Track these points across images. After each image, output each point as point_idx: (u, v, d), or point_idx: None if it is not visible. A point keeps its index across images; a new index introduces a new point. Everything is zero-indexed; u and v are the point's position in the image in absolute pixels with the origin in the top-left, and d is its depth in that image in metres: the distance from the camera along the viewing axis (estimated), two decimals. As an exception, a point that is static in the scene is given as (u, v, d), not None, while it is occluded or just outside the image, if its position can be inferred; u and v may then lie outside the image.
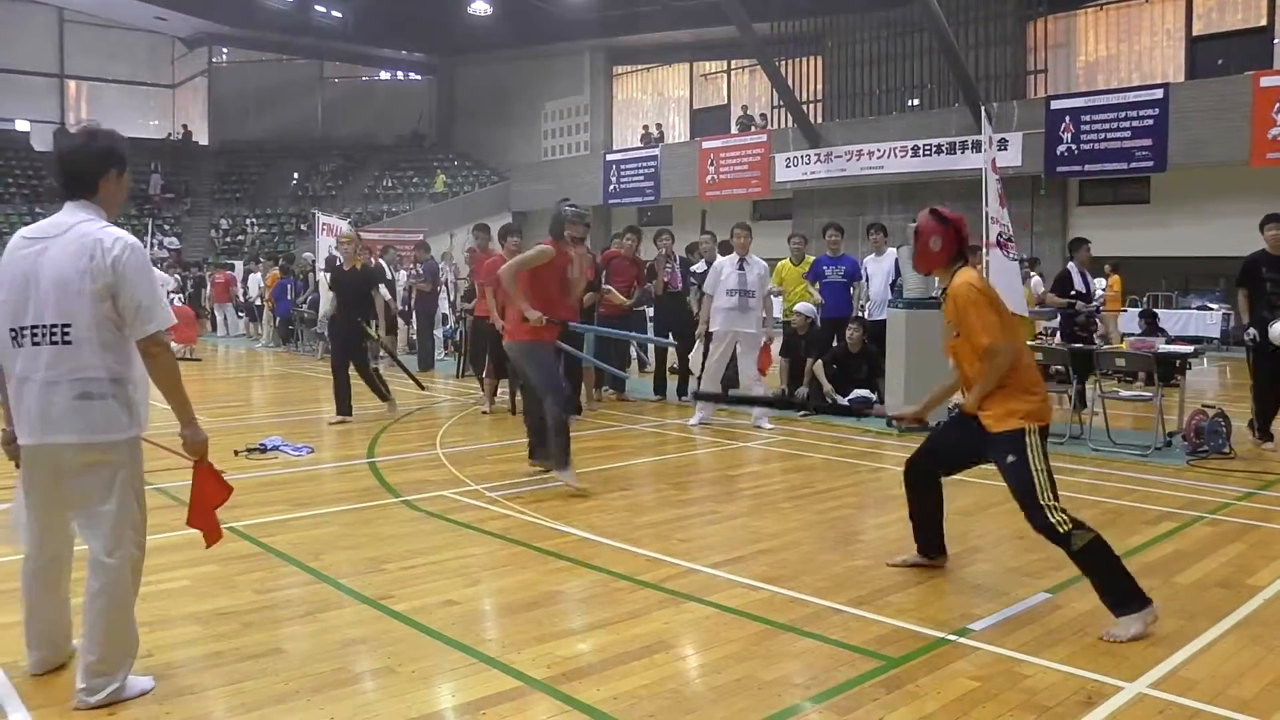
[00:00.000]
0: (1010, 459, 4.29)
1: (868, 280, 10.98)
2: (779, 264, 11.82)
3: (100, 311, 3.21)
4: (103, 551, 3.28)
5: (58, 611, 3.51)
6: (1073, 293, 9.81)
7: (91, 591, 3.29)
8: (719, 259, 9.69)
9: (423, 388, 10.91)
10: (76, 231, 3.25)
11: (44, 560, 3.42)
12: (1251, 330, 8.29)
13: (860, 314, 10.94)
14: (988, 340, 4.29)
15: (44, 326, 3.22)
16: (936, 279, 4.84)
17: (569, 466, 6.63)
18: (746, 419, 9.93)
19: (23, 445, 3.30)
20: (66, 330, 3.21)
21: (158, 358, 3.32)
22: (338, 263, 9.60)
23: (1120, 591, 4.03)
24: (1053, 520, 4.13)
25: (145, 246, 23.62)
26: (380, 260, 15.23)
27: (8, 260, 3.30)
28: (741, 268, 9.40)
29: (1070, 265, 10.15)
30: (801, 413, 10.04)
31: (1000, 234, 10.15)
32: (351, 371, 9.73)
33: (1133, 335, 13.27)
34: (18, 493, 3.42)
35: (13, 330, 3.26)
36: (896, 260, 11.56)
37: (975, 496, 6.59)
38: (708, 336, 9.79)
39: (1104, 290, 17.86)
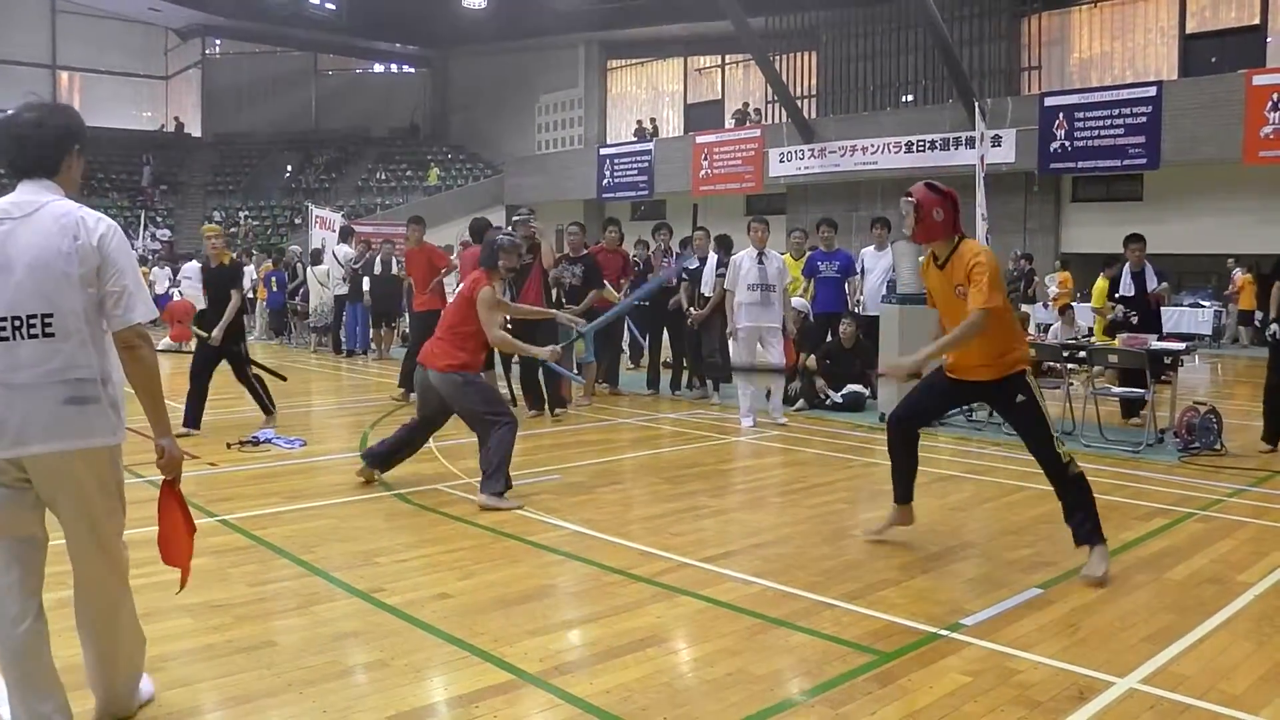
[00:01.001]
0: (1020, 398, 4.84)
1: (863, 274, 10.97)
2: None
3: (87, 299, 2.84)
4: (103, 567, 2.99)
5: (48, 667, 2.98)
6: (1116, 296, 9.39)
7: (97, 609, 3.02)
8: (737, 254, 9.59)
9: (283, 379, 10.40)
10: (50, 211, 2.86)
11: (16, 609, 2.89)
12: (1274, 326, 8.02)
13: (856, 308, 10.93)
14: (997, 302, 4.65)
15: (19, 318, 2.79)
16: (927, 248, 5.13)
17: (504, 490, 6.08)
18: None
19: None
20: (48, 321, 2.80)
21: (138, 351, 2.92)
22: (208, 260, 9.13)
23: (1096, 520, 4.74)
24: (1059, 451, 4.78)
25: (138, 238, 23.37)
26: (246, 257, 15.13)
27: None
28: (761, 262, 9.30)
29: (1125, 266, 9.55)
30: (797, 404, 10.07)
31: (991, 229, 10.20)
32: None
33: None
34: None
35: None
36: (863, 260, 11.61)
37: (968, 492, 6.62)
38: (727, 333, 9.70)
39: (1056, 289, 17.72)
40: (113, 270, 2.87)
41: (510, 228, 9.92)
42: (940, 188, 4.91)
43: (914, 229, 4.91)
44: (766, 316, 9.28)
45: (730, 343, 9.66)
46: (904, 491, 5.30)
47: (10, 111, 2.97)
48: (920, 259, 5.69)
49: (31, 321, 2.79)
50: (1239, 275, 18.72)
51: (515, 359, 9.65)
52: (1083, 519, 4.74)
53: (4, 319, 2.79)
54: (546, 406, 9.74)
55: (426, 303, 10.47)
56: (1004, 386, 4.88)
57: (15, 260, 2.80)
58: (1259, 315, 16.78)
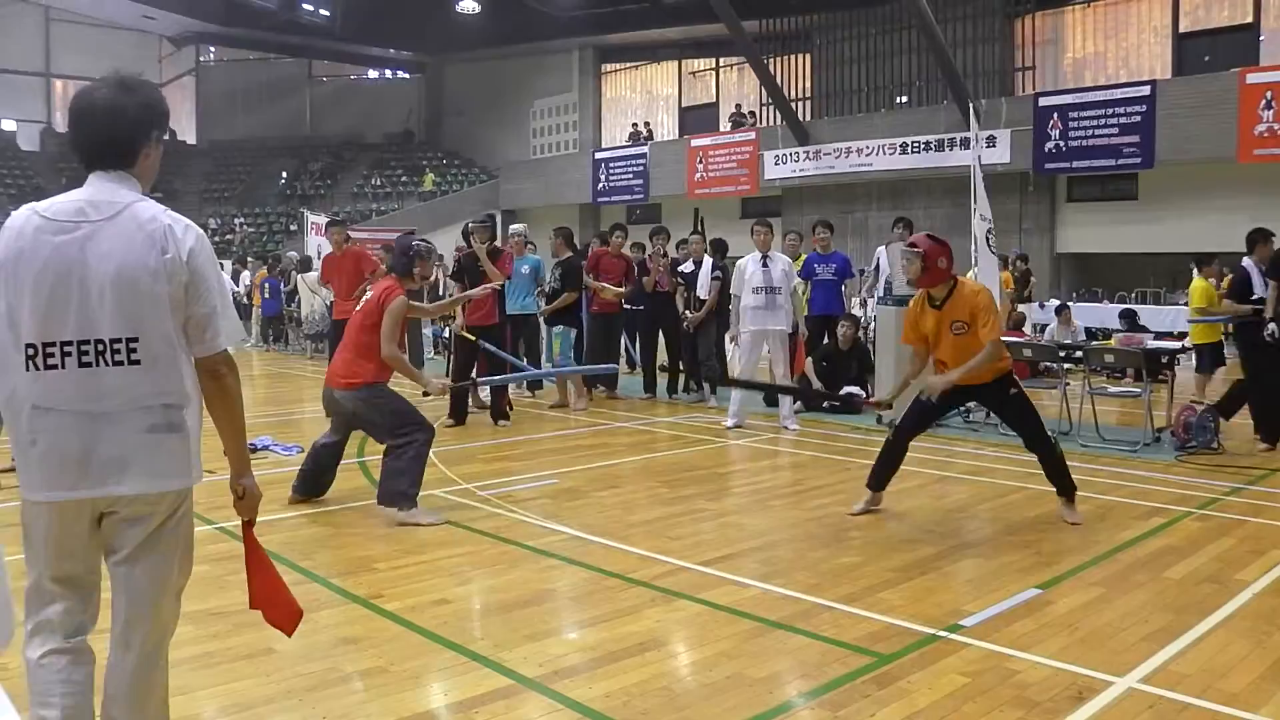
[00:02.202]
0: (1013, 391, 5.82)
1: (878, 270, 11.00)
2: None
3: (174, 320, 2.47)
4: (154, 633, 2.57)
5: None
6: (1254, 297, 8.41)
7: (132, 683, 2.55)
8: (744, 259, 9.56)
9: None
10: (135, 214, 2.44)
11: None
12: (1272, 326, 7.91)
13: (863, 307, 10.98)
14: (1000, 333, 5.65)
15: (101, 342, 2.40)
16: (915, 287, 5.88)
17: (416, 503, 5.81)
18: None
19: (36, 502, 2.46)
20: (134, 347, 2.42)
21: (225, 380, 2.56)
22: None
23: (1070, 479, 5.84)
24: (1045, 434, 5.82)
25: None
26: None
27: (24, 248, 2.42)
28: (765, 265, 9.21)
29: (1245, 262, 8.63)
30: (824, 404, 10.09)
31: (990, 229, 10.19)
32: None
33: (1120, 332, 13.28)
34: None
35: (35, 346, 2.40)
36: (879, 258, 11.61)
37: (966, 493, 6.62)
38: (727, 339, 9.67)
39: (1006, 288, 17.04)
40: (202, 289, 2.49)
41: (471, 230, 9.84)
42: (939, 239, 5.64)
43: (919, 276, 5.59)
44: (772, 320, 9.18)
45: (732, 347, 9.64)
46: (884, 482, 6.00)
47: (85, 86, 2.54)
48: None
49: (116, 346, 2.41)
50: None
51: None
52: (1062, 478, 5.81)
53: (86, 342, 2.40)
54: (492, 417, 9.60)
55: (352, 310, 9.98)
56: (996, 386, 5.80)
57: (96, 273, 2.39)
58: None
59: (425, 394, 6.64)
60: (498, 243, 10.41)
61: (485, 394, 9.94)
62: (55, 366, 2.40)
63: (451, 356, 9.33)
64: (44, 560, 2.49)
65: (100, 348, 2.40)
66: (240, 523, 2.77)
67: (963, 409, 9.48)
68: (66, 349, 2.39)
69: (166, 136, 2.66)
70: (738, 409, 9.30)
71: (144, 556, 2.51)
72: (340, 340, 9.44)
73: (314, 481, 6.27)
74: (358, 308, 6.08)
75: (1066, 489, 5.82)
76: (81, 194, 2.47)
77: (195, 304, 2.48)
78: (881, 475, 5.96)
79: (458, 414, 9.40)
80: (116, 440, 2.42)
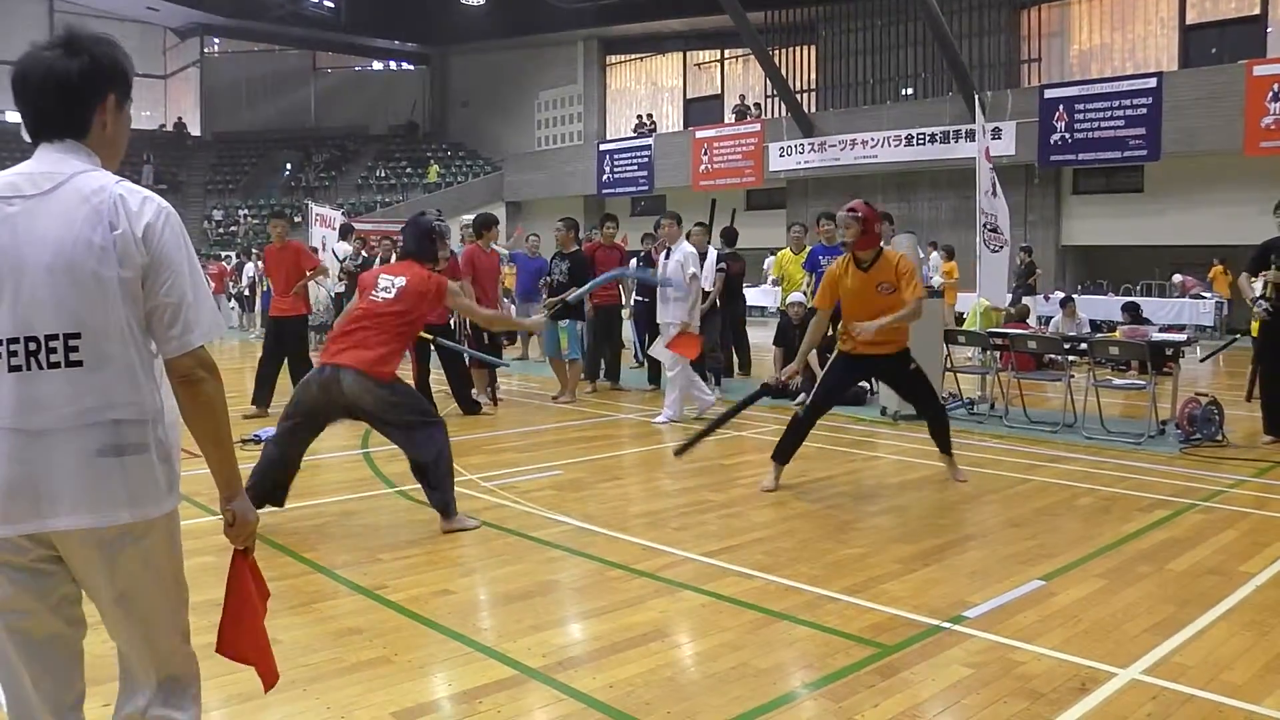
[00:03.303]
0: (913, 365, 6.45)
1: None
2: (779, 253, 11.86)
3: (130, 313, 2.03)
4: (162, 683, 2.24)
5: None
6: None
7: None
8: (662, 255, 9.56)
9: None
10: (77, 186, 2.03)
11: None
12: (1263, 303, 7.83)
13: None
14: (922, 294, 6.26)
15: (34, 339, 1.98)
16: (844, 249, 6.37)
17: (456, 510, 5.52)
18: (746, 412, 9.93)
19: None
20: (74, 344, 1.99)
21: (199, 387, 2.08)
22: None
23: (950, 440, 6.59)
24: (938, 401, 6.74)
25: None
26: None
27: None
28: (667, 257, 9.29)
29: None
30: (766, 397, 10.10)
31: (986, 224, 10.17)
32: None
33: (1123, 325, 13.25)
34: None
35: None
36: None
37: (971, 485, 6.61)
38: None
39: (940, 278, 16.50)
40: (165, 273, 2.04)
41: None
42: (875, 206, 6.22)
43: (857, 238, 6.10)
44: (665, 313, 9.20)
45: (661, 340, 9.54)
46: (789, 458, 6.45)
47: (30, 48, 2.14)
48: (822, 262, 6.80)
49: (52, 345, 1.98)
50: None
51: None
52: (946, 439, 6.56)
53: (15, 340, 1.98)
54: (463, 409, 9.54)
55: (290, 307, 9.64)
56: (898, 359, 6.37)
57: (29, 258, 1.98)
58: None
59: (530, 334, 6.76)
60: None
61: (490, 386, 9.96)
62: None
63: (413, 362, 9.23)
64: None
65: (33, 346, 1.97)
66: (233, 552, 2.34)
67: (966, 401, 9.56)
68: None
69: (132, 103, 2.22)
70: (674, 399, 9.17)
71: (128, 602, 2.13)
72: (281, 336, 9.49)
73: (276, 488, 5.50)
74: (375, 296, 5.39)
75: (948, 448, 6.60)
76: (22, 167, 2.09)
77: (158, 293, 2.03)
78: (787, 449, 6.41)
79: (467, 405, 9.49)
80: (59, 464, 1.99)
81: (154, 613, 2.18)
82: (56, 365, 1.98)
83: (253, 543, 2.33)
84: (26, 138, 2.26)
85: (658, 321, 9.47)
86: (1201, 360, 12.28)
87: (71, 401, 1.99)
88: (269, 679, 2.43)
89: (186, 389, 2.09)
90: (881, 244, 6.32)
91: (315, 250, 17.99)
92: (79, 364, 1.99)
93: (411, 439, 5.43)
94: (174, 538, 2.20)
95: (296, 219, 30.70)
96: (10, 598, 2.05)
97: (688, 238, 11.76)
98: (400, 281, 5.43)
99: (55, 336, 1.98)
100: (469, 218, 11.01)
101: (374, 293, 5.43)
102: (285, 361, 9.41)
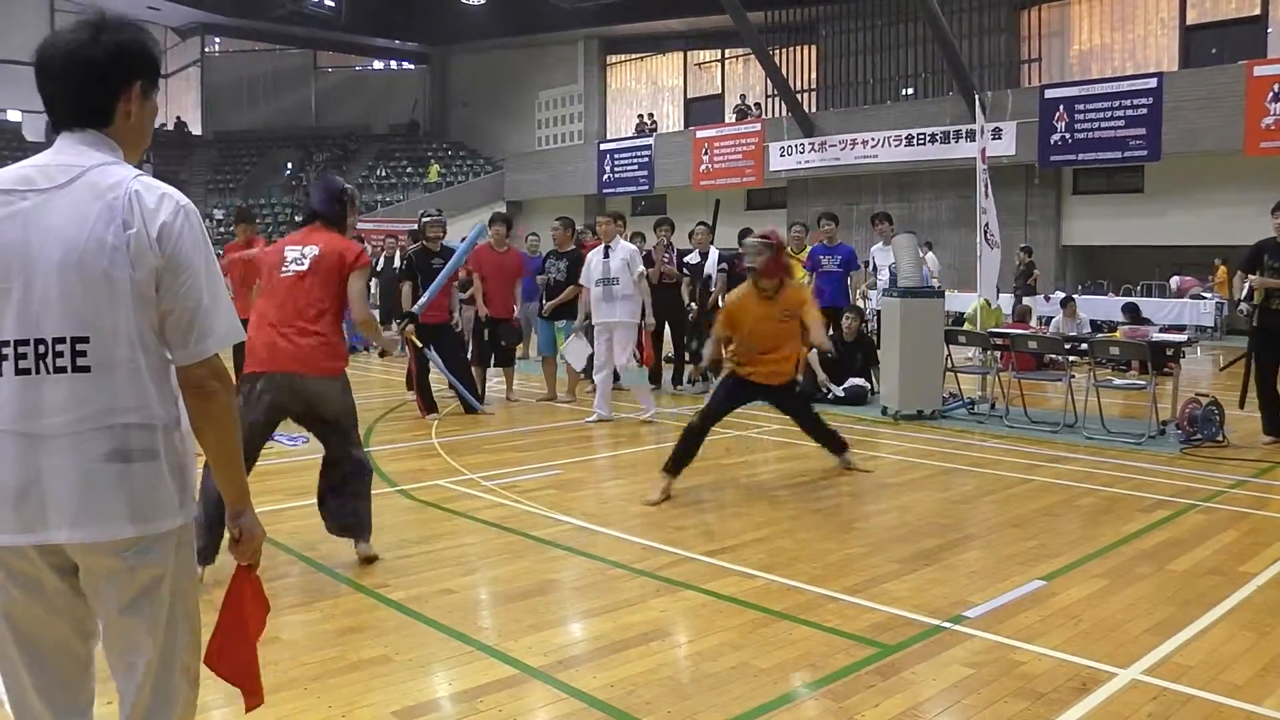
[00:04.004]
0: (798, 388, 7.11)
1: (875, 269, 10.99)
2: None
3: (141, 317, 1.92)
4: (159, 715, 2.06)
5: None
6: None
7: None
8: (593, 251, 9.33)
9: None
10: (93, 180, 1.92)
11: None
12: (1243, 305, 7.94)
13: (867, 300, 10.97)
14: (820, 319, 6.52)
15: (42, 342, 1.88)
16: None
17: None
18: (747, 407, 9.95)
19: None
20: (81, 349, 1.88)
21: (213, 397, 1.98)
22: None
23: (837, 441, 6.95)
24: (816, 416, 6.98)
25: None
26: None
27: None
28: (606, 255, 9.06)
29: None
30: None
31: (987, 224, 10.20)
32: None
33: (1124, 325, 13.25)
34: None
35: None
36: (874, 256, 11.64)
37: (970, 485, 6.62)
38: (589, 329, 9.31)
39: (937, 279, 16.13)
40: (180, 276, 1.93)
41: (420, 226, 9.72)
42: (785, 234, 6.60)
43: (765, 266, 6.21)
44: (610, 311, 8.97)
45: (573, 339, 9.41)
46: (680, 471, 6.29)
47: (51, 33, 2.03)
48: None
49: (59, 348, 1.88)
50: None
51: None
52: (835, 443, 6.91)
53: (24, 342, 1.88)
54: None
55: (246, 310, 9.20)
56: (788, 386, 6.72)
57: (39, 256, 1.88)
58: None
59: (382, 355, 6.43)
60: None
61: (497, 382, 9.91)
62: None
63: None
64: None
65: (41, 350, 1.88)
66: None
67: (966, 401, 9.58)
68: (4, 351, 1.89)
69: (159, 93, 2.14)
70: (601, 400, 9.12)
71: (128, 621, 1.99)
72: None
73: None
74: (299, 267, 4.60)
75: (840, 447, 6.90)
76: (39, 158, 1.99)
77: (172, 297, 1.93)
78: (680, 464, 6.27)
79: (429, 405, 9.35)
80: (62, 470, 1.88)
81: (154, 640, 2.01)
82: (63, 370, 1.88)
83: (258, 558, 2.22)
84: (29, 135, 2.17)
85: (594, 322, 9.11)
86: (1222, 369, 12.19)
87: (77, 406, 1.89)
88: (252, 700, 2.27)
89: (197, 399, 1.98)
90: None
91: None
92: (86, 369, 1.89)
93: (353, 441, 4.83)
94: (186, 560, 2.05)
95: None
96: (18, 604, 1.96)
97: (690, 237, 11.79)
98: (304, 253, 4.64)
99: (63, 340, 1.88)
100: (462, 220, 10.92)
101: (283, 268, 4.63)
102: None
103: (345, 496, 4.78)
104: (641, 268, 9.22)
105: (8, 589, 1.95)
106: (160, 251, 1.91)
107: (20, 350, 1.88)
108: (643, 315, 9.23)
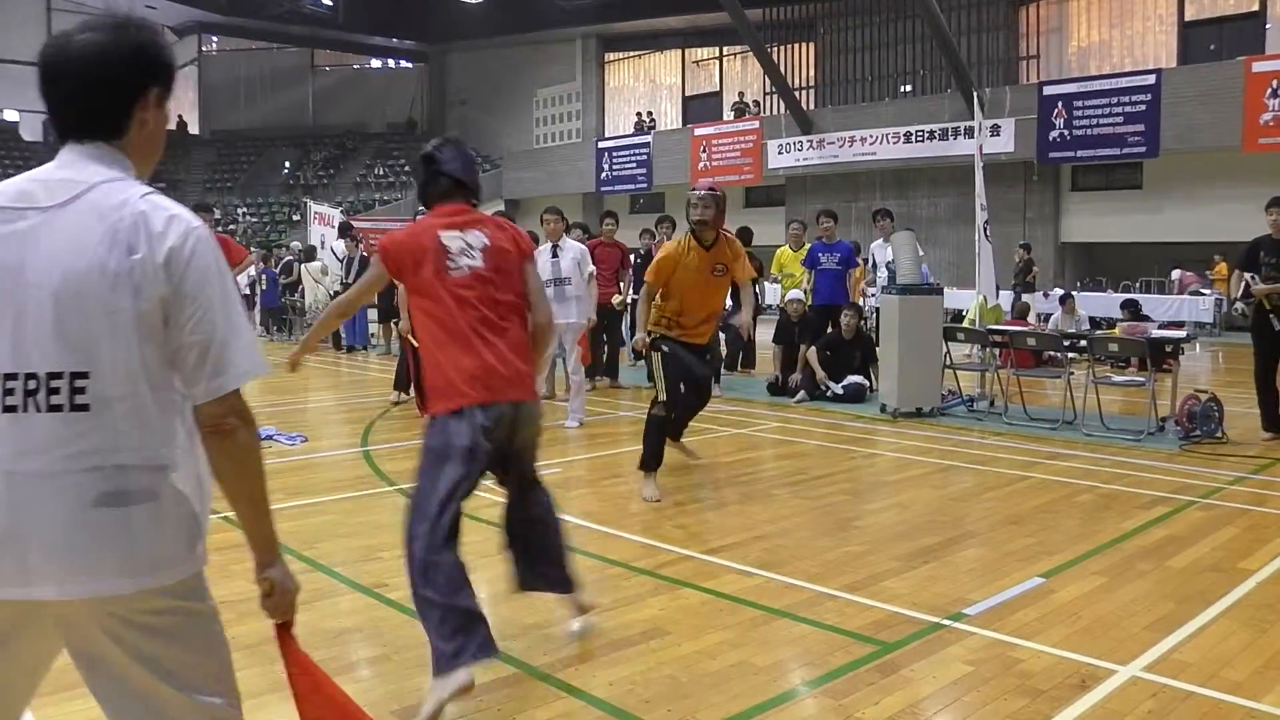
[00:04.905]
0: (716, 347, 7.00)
1: (874, 266, 10.99)
2: (778, 250, 11.87)
3: (146, 349, 1.72)
4: None
5: None
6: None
7: None
8: (538, 249, 9.06)
9: None
10: (96, 200, 1.73)
11: None
12: (1239, 305, 8.06)
13: (868, 297, 10.98)
14: (753, 275, 6.76)
15: (33, 376, 1.69)
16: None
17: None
18: (747, 405, 9.96)
19: None
20: (80, 385, 1.69)
21: (232, 437, 1.80)
22: None
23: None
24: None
25: None
26: None
27: None
28: (555, 255, 8.89)
29: None
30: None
31: (985, 220, 10.22)
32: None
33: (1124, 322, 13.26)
34: None
35: None
36: (874, 253, 11.63)
37: (969, 482, 6.62)
38: None
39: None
40: (191, 307, 1.73)
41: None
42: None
43: (714, 218, 6.13)
44: (563, 312, 8.59)
45: None
46: (658, 465, 6.34)
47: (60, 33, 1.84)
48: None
49: (54, 385, 1.69)
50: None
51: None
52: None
53: (12, 376, 1.69)
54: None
55: None
56: (712, 344, 7.05)
57: (33, 282, 1.70)
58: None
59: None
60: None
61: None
62: None
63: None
64: None
65: (31, 385, 1.68)
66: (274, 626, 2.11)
67: (965, 398, 9.58)
68: None
69: (171, 104, 1.92)
70: (579, 406, 8.95)
71: (126, 686, 1.78)
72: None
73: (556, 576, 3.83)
74: (472, 262, 3.44)
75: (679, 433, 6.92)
76: (40, 172, 1.79)
77: (184, 329, 1.73)
78: (658, 458, 6.33)
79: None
80: (46, 516, 1.67)
81: (161, 708, 1.79)
82: (58, 408, 1.68)
83: (293, 615, 2.03)
84: (27, 135, 2.01)
85: (558, 321, 8.85)
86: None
87: (69, 443, 1.68)
88: None
89: (215, 440, 1.79)
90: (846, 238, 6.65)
91: (319, 246, 18.02)
92: (84, 409, 1.69)
93: (533, 478, 3.93)
94: (199, 615, 1.88)
95: (295, 217, 30.85)
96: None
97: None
98: (479, 239, 3.53)
99: (59, 375, 1.68)
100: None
101: (451, 265, 3.43)
102: None
103: (552, 546, 3.82)
104: (591, 267, 9.12)
105: None
106: (168, 279, 1.71)
107: (9, 385, 1.69)
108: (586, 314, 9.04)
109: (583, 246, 9.40)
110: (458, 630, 3.14)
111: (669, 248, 6.36)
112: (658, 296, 6.29)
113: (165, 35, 1.90)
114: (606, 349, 11.49)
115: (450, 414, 3.37)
